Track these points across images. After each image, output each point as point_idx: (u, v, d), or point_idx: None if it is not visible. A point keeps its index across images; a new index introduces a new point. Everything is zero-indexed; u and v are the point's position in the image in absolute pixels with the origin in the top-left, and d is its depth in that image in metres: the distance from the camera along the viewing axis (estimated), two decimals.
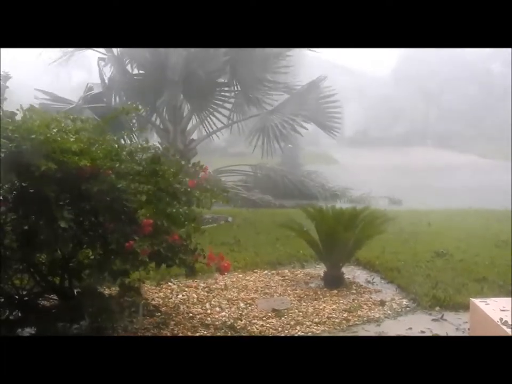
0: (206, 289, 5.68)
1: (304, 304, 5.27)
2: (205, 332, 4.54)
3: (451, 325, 4.71)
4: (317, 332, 4.60)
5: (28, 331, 4.20)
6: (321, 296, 5.50)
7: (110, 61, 10.44)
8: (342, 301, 5.35)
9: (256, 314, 4.98)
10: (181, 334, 4.48)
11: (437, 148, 30.76)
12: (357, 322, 4.83)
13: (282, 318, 4.87)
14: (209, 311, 5.04)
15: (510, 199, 10.16)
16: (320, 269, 6.29)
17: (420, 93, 34.84)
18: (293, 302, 5.34)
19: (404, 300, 5.39)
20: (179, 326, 4.64)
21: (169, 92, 9.81)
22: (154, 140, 10.00)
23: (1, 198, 3.86)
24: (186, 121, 10.80)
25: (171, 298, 5.38)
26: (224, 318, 4.87)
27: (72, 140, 3.82)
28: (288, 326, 4.71)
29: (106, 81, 10.64)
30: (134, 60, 10.35)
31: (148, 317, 4.75)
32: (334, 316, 4.95)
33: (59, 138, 3.72)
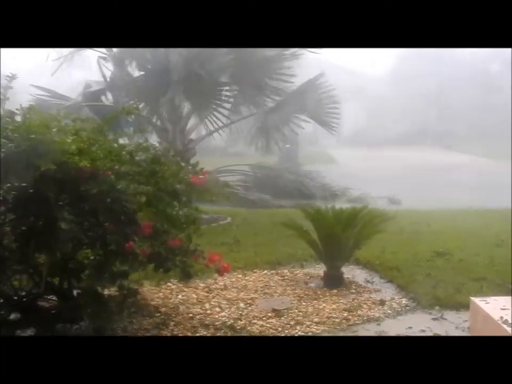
0: (206, 289, 5.68)
1: (304, 304, 5.27)
2: (205, 332, 4.53)
3: (451, 324, 4.70)
4: (317, 331, 4.60)
5: (27, 332, 4.19)
6: (321, 296, 5.50)
7: (110, 59, 10.44)
8: (341, 301, 5.35)
9: (256, 314, 4.97)
10: (180, 335, 4.48)
11: (436, 148, 30.76)
12: (357, 321, 4.83)
13: (282, 318, 4.86)
14: (209, 311, 5.03)
15: (509, 199, 10.16)
16: (319, 269, 6.28)
17: (419, 93, 34.83)
18: (293, 301, 5.33)
19: (403, 299, 5.39)
20: (179, 327, 4.63)
21: (170, 91, 9.80)
22: (153, 140, 9.98)
23: (0, 198, 3.86)
24: (186, 121, 10.80)
25: (171, 299, 5.37)
26: (224, 318, 4.87)
27: (71, 140, 3.81)
28: (288, 326, 4.71)
29: (106, 79, 10.64)
30: (134, 59, 10.34)
31: (147, 318, 4.75)
32: (334, 315, 4.95)
33: (58, 139, 3.71)
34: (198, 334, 4.49)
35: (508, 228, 7.71)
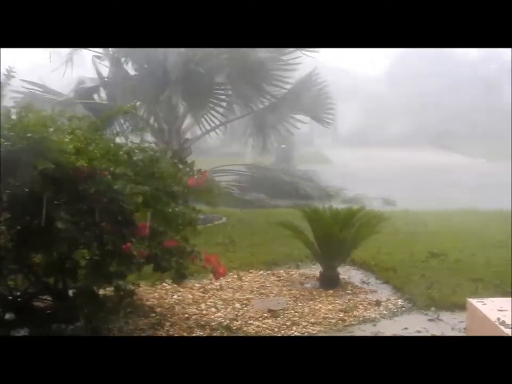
0: (201, 289, 5.66)
1: (300, 304, 5.26)
2: (201, 333, 4.52)
3: (447, 325, 4.71)
4: (313, 332, 4.59)
5: (22, 332, 4.16)
6: (316, 297, 5.49)
7: (105, 58, 10.41)
8: (337, 301, 5.34)
9: (252, 314, 4.96)
10: (176, 335, 4.46)
11: (432, 148, 30.80)
12: (353, 322, 4.83)
13: (278, 319, 4.86)
14: (204, 312, 5.01)
15: (506, 200, 10.17)
16: (315, 269, 6.28)
17: (417, 93, 34.89)
18: (289, 302, 5.32)
19: (399, 300, 5.39)
20: (174, 327, 4.62)
21: (167, 90, 9.77)
22: (148, 139, 9.95)
23: None
24: (181, 120, 10.77)
25: (166, 299, 5.35)
26: (220, 318, 4.85)
27: (68, 139, 3.79)
28: (284, 326, 4.70)
29: (101, 76, 10.60)
30: (129, 58, 10.30)
31: (142, 318, 4.72)
32: (330, 316, 4.94)
33: (56, 138, 3.69)
34: (194, 335, 4.48)
35: (505, 228, 7.72)
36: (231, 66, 9.96)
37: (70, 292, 4.27)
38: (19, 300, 4.27)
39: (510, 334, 3.37)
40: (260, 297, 5.50)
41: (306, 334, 4.55)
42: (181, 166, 4.55)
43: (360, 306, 5.20)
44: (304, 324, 4.75)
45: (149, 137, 10.38)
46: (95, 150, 3.91)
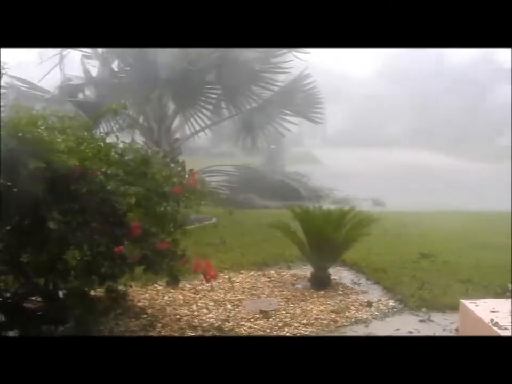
0: (192, 290, 5.63)
1: (292, 305, 5.25)
2: (193, 334, 4.49)
3: (438, 326, 4.72)
4: (305, 333, 4.58)
5: (12, 334, 4.11)
6: (308, 298, 5.48)
7: (94, 57, 10.36)
8: (329, 302, 5.34)
9: (244, 315, 4.94)
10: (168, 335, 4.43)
11: (422, 149, 30.93)
12: (344, 323, 4.83)
13: (270, 320, 4.84)
14: (196, 313, 4.99)
15: (499, 201, 10.24)
16: (306, 270, 6.27)
17: (406, 94, 35.05)
18: (280, 303, 5.31)
19: (390, 300, 5.41)
20: (166, 328, 4.59)
21: (157, 89, 9.74)
22: (137, 138, 9.90)
23: None
24: (171, 120, 10.73)
25: (157, 300, 5.31)
26: (211, 319, 4.83)
27: (60, 139, 3.75)
28: (276, 327, 4.69)
29: (89, 74, 10.56)
30: (119, 57, 10.26)
31: (133, 319, 4.69)
32: (322, 317, 4.94)
33: (47, 137, 3.65)
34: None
35: (496, 230, 7.77)
36: (221, 66, 9.94)
37: (61, 293, 4.23)
38: (9, 301, 4.22)
39: (502, 335, 3.38)
40: (251, 298, 5.48)
41: (298, 335, 4.53)
42: (172, 165, 4.53)
43: (352, 307, 5.20)
44: (296, 325, 4.74)
45: (138, 136, 10.35)
46: (86, 150, 3.88)
